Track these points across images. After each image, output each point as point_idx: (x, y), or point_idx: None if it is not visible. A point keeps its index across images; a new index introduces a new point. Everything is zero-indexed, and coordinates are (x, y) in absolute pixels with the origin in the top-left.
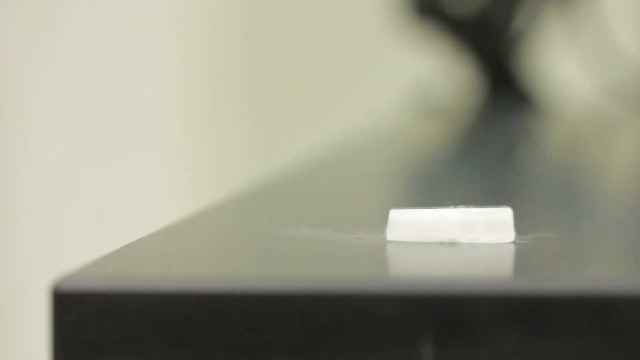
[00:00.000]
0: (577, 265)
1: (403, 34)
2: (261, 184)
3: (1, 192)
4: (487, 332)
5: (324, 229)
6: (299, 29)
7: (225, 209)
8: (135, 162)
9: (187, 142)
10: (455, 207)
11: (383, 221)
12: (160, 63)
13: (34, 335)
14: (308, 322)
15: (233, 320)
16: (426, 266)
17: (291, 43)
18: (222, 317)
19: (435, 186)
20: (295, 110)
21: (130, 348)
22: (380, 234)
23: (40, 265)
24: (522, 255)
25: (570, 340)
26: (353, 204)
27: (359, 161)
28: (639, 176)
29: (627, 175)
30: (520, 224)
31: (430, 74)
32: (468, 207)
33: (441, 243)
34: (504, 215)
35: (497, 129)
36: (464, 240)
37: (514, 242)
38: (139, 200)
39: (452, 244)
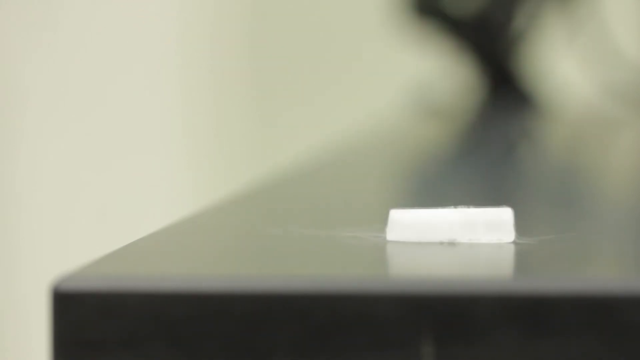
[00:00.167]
0: (577, 265)
1: (403, 34)
2: (261, 184)
3: (1, 192)
4: (487, 332)
5: (324, 229)
6: (299, 29)
7: (225, 209)
8: (135, 162)
9: (187, 142)
10: (455, 207)
11: (383, 221)
12: (160, 63)
13: (34, 335)
14: (308, 322)
15: (233, 320)
16: (426, 266)
17: (291, 43)
18: (222, 317)
19: (435, 186)
20: (295, 110)
21: (130, 348)
22: (380, 234)
23: (40, 265)
24: (522, 255)
25: (570, 340)
26: (353, 204)
27: (359, 161)
28: (639, 176)
29: (627, 175)
30: (520, 224)
31: (430, 74)
32: (468, 207)
33: (441, 243)
34: (504, 215)
35: (497, 129)
36: (464, 240)
37: (514, 242)
38: (139, 201)
39: (452, 244)
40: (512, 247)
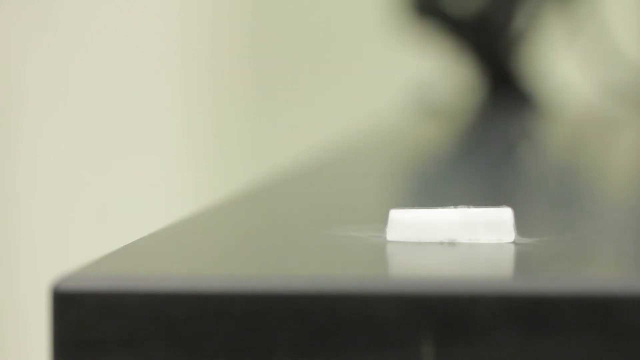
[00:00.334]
0: (577, 265)
1: (403, 34)
2: (261, 184)
3: (1, 192)
4: (487, 332)
5: (324, 228)
6: (299, 29)
7: (225, 209)
8: (135, 162)
9: (187, 142)
10: (455, 207)
11: (383, 221)
12: (160, 63)
13: (34, 335)
14: (308, 322)
15: (233, 320)
16: (426, 266)
17: (291, 43)
18: (222, 317)
19: (435, 186)
20: (295, 110)
21: (130, 348)
22: (380, 234)
23: (40, 265)
24: (522, 255)
25: (570, 340)
26: (353, 204)
27: (359, 161)
28: (639, 176)
29: (627, 175)
30: (520, 224)
31: (430, 74)
32: (468, 207)
33: (441, 243)
34: (504, 215)
35: (497, 129)
36: (464, 240)
37: (514, 242)
38: (139, 201)
39: (452, 244)
40: (512, 247)
